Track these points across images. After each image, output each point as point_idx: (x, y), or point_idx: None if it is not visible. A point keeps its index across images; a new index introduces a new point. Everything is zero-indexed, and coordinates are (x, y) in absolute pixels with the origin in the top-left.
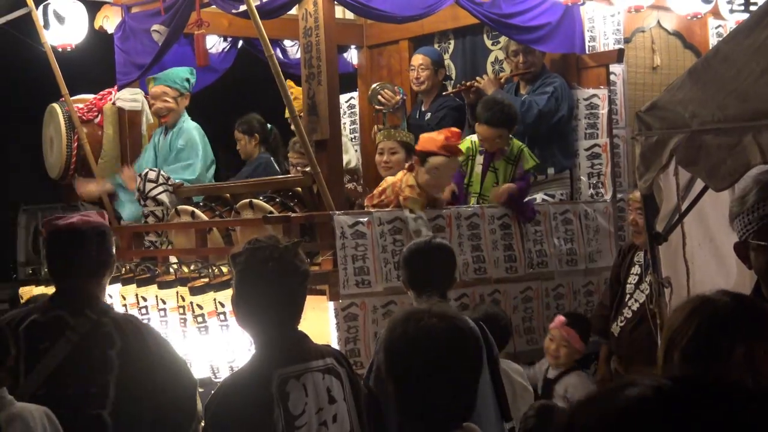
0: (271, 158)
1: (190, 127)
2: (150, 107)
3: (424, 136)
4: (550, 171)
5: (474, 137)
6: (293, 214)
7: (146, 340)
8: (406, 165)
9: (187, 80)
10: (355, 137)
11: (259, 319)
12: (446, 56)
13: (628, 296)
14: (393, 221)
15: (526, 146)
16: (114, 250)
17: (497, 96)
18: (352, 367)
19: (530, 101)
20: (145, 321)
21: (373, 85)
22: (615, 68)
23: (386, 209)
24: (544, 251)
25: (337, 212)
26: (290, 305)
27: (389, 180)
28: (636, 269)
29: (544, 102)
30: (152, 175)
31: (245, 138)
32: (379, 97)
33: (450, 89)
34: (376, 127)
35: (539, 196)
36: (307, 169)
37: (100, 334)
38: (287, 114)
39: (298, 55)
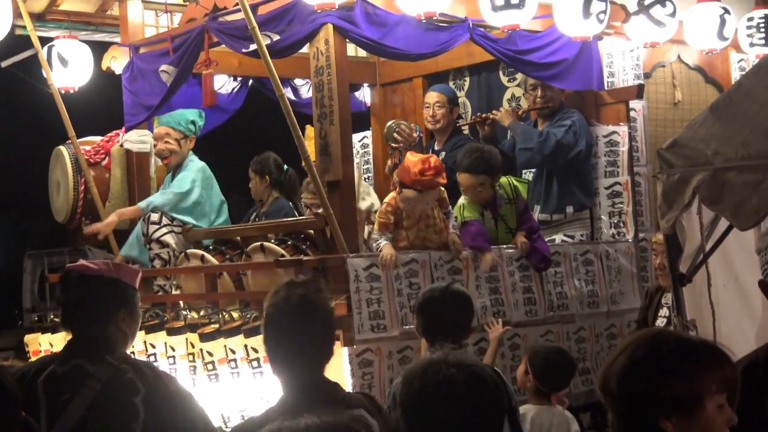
0: (290, 203)
1: (195, 167)
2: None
3: (406, 161)
4: (569, 210)
5: None
6: (305, 258)
7: (168, 387)
8: (393, 188)
9: (193, 123)
10: (368, 177)
11: (282, 361)
12: (461, 93)
13: None
14: (409, 263)
15: (512, 176)
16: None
17: (480, 144)
18: (387, 416)
19: (548, 132)
20: None
21: (389, 123)
22: (635, 104)
23: (402, 251)
24: (565, 293)
25: (351, 255)
26: (314, 346)
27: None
28: (664, 311)
29: (562, 133)
30: (155, 217)
31: (257, 177)
32: (395, 134)
33: (463, 122)
34: (390, 161)
35: (558, 237)
36: (320, 210)
37: (122, 381)
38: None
39: (310, 94)
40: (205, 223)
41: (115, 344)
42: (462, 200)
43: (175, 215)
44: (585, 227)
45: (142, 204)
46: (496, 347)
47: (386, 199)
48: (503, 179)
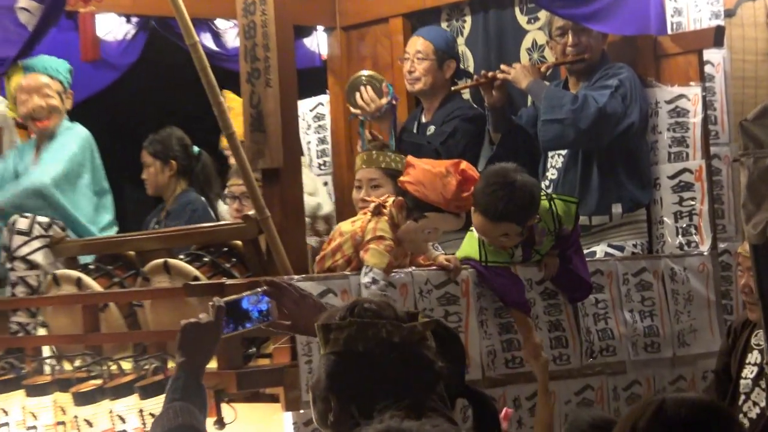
0: (202, 199)
1: (76, 135)
2: (19, 109)
3: (422, 167)
4: (617, 210)
5: None
6: (230, 281)
7: None
8: (371, 205)
9: (71, 72)
10: (325, 163)
11: None
12: (460, 41)
13: (743, 397)
14: (383, 289)
15: (557, 197)
16: None
17: (508, 169)
18: None
19: (585, 96)
20: None
21: (358, 73)
22: (712, 55)
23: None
24: (610, 331)
25: (296, 277)
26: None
27: (345, 228)
28: (755, 356)
29: (605, 98)
30: (23, 224)
31: (156, 164)
32: (358, 94)
33: (461, 84)
34: (359, 144)
35: (601, 249)
36: (252, 212)
37: None
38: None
39: (238, 43)
40: (86, 228)
41: None
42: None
43: (46, 216)
44: (640, 234)
45: None
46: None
47: (379, 231)
48: (542, 202)
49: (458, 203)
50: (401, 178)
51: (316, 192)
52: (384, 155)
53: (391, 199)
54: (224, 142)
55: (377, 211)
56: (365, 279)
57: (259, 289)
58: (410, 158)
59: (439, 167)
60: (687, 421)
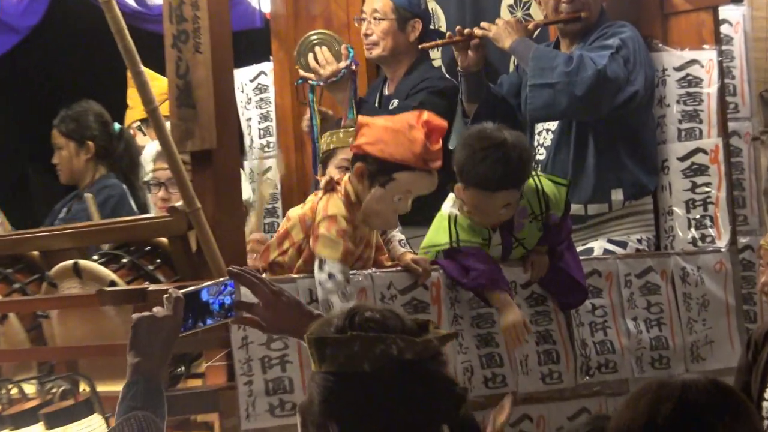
0: (123, 187)
1: None
2: None
3: (379, 125)
4: (617, 197)
5: None
6: (153, 286)
7: None
8: (322, 182)
9: None
10: (269, 144)
11: None
12: None
13: (766, 423)
14: None
15: (545, 176)
16: None
17: (489, 129)
18: None
19: (581, 57)
20: None
21: (310, 34)
22: (729, 13)
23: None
24: (610, 344)
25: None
26: None
27: (293, 214)
28: None
29: (604, 61)
30: None
31: (70, 146)
32: (311, 55)
33: (430, 43)
34: (306, 116)
35: (599, 245)
36: (179, 203)
37: None
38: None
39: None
40: None
41: None
42: (449, 210)
43: None
44: (645, 227)
45: None
46: None
47: (330, 211)
48: (528, 182)
49: (429, 157)
50: (355, 142)
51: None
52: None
53: (347, 176)
54: (129, 116)
55: (329, 188)
56: (321, 276)
57: (220, 279)
58: (361, 117)
59: (399, 122)
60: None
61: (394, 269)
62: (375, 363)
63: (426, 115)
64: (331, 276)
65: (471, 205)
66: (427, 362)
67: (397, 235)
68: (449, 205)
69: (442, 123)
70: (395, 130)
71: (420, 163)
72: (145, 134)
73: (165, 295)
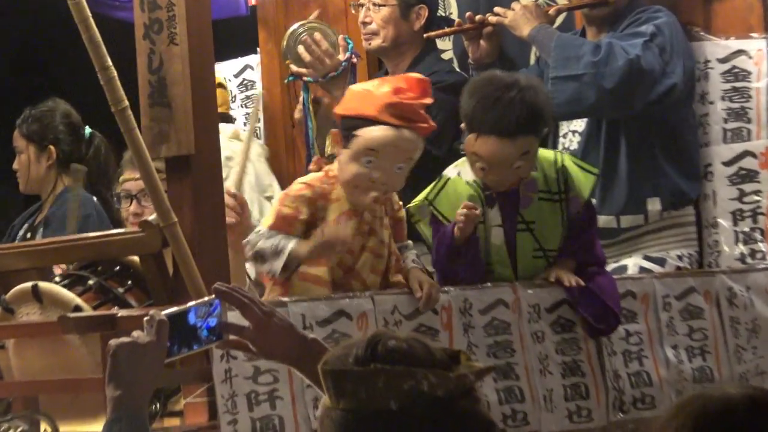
0: (94, 199)
1: None
2: None
3: (353, 90)
4: (654, 207)
5: (468, 172)
6: (123, 312)
7: None
8: (313, 162)
9: None
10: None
11: None
12: None
13: None
14: (331, 320)
15: (572, 158)
16: None
17: (499, 74)
18: None
19: (611, 45)
20: None
21: (294, 26)
22: None
23: (319, 298)
24: (646, 375)
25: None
26: None
27: None
28: None
29: (638, 50)
30: None
31: (31, 150)
32: (302, 47)
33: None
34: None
35: (634, 263)
36: (152, 217)
37: None
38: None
39: None
40: None
41: None
42: (449, 171)
43: None
44: (686, 242)
45: None
46: None
47: (300, 180)
48: (544, 152)
49: (395, 111)
50: (336, 109)
51: None
52: None
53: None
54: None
55: (317, 168)
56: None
57: (206, 299)
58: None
59: (375, 81)
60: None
61: (398, 291)
62: (403, 400)
63: (412, 74)
64: (248, 243)
65: (485, 158)
66: (461, 400)
67: (412, 252)
68: (451, 167)
69: (423, 81)
70: (366, 89)
71: (384, 116)
72: None
73: (146, 318)
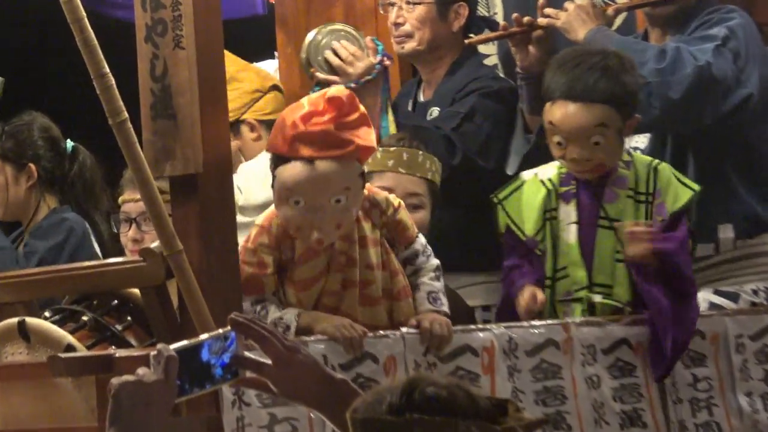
0: (84, 223)
1: None
2: None
3: (284, 114)
4: (726, 235)
5: (547, 170)
6: (120, 352)
7: None
8: None
9: None
10: None
11: None
12: None
13: None
14: (355, 363)
15: (670, 168)
16: None
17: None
18: None
19: (678, 49)
20: None
21: (311, 35)
22: None
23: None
24: (716, 426)
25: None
26: None
27: None
28: None
29: (708, 56)
30: None
31: (7, 170)
32: (328, 53)
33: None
34: None
35: (702, 297)
36: (155, 244)
37: None
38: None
39: None
40: None
41: None
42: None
43: None
44: (763, 274)
45: None
46: None
47: (256, 222)
48: (641, 156)
49: (304, 140)
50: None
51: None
52: (430, 158)
53: None
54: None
55: None
56: None
57: (221, 331)
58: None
59: (296, 103)
60: None
61: None
62: None
63: (342, 94)
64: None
65: (557, 125)
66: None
67: (428, 285)
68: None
69: (339, 95)
70: (282, 116)
71: (294, 150)
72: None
73: (153, 353)
